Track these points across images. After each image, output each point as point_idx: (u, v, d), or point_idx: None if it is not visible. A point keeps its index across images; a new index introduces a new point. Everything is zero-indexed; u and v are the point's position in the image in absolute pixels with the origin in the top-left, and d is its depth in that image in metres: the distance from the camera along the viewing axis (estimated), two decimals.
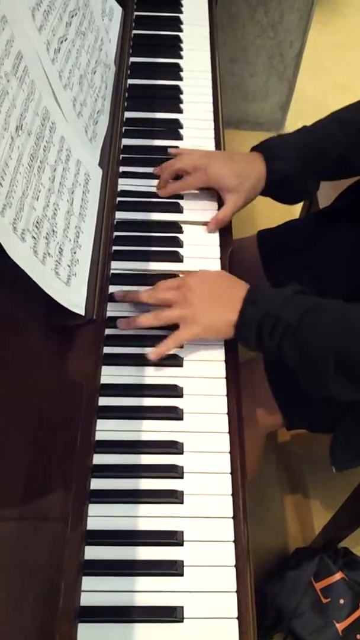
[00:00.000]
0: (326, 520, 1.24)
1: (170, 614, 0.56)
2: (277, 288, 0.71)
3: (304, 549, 1.29)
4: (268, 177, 0.84)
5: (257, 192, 0.85)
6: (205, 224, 0.84)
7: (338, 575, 1.17)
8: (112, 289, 0.76)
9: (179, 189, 0.85)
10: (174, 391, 0.69)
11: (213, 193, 0.87)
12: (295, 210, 1.56)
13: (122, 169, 0.87)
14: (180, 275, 0.77)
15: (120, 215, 0.83)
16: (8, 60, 0.57)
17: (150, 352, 0.70)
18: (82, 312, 0.63)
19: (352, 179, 1.02)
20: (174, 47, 1.07)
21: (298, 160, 0.84)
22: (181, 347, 0.72)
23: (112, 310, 0.74)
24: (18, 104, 0.59)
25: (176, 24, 1.10)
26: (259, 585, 1.19)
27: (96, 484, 0.62)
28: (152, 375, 0.70)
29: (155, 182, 0.87)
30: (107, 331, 0.72)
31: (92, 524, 0.60)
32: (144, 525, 0.61)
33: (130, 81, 0.99)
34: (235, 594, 0.58)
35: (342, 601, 1.14)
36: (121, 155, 0.88)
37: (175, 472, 0.64)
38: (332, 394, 0.68)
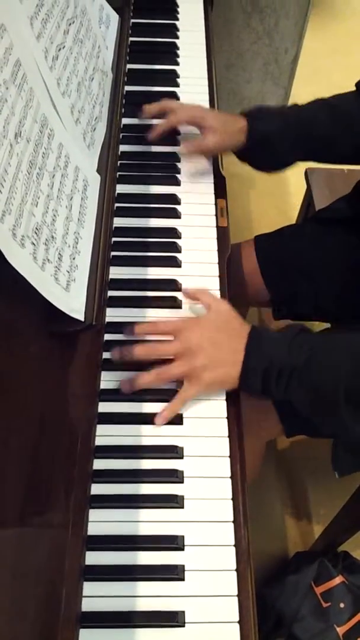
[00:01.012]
0: (326, 524, 1.24)
1: (172, 619, 0.56)
2: (278, 304, 0.71)
3: (304, 553, 1.29)
4: (249, 134, 0.88)
5: (235, 141, 0.89)
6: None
7: (338, 579, 1.17)
8: (111, 294, 0.76)
9: (167, 125, 0.89)
10: (173, 396, 0.69)
11: (210, 198, 0.87)
12: (292, 217, 1.57)
13: (119, 174, 0.88)
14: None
15: (118, 221, 0.83)
16: (7, 68, 0.58)
17: (157, 417, 0.67)
18: (81, 317, 0.64)
19: (349, 184, 1.03)
20: (170, 53, 1.07)
21: (280, 123, 0.88)
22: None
23: (111, 315, 0.74)
24: (17, 111, 0.59)
25: (172, 30, 1.11)
26: (259, 590, 1.19)
27: (96, 489, 0.63)
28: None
29: (154, 188, 0.87)
30: (106, 336, 0.72)
31: (93, 529, 0.60)
32: (144, 530, 0.61)
33: (127, 87, 1.00)
34: (236, 598, 0.58)
35: (342, 605, 1.14)
36: (119, 161, 0.89)
37: (175, 476, 0.64)
38: (349, 430, 0.66)
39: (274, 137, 0.88)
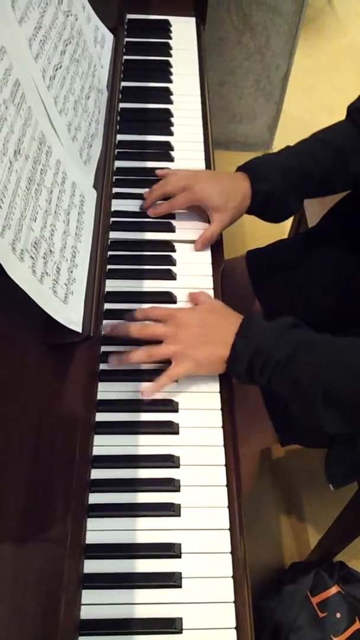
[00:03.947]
0: (321, 535, 1.24)
1: (170, 626, 0.57)
2: (271, 319, 0.72)
3: (300, 563, 1.30)
4: (253, 196, 0.86)
5: (243, 210, 0.87)
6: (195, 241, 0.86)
7: (334, 589, 1.17)
8: (108, 306, 0.77)
9: (168, 209, 0.87)
10: (170, 406, 0.71)
11: (204, 212, 0.89)
12: (284, 230, 1.59)
13: (115, 190, 0.89)
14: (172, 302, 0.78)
15: (114, 234, 0.85)
16: (6, 88, 0.60)
17: (143, 389, 0.70)
18: (79, 329, 0.65)
19: (338, 197, 1.05)
20: (164, 71, 1.10)
21: (282, 180, 0.86)
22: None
23: None
24: (16, 130, 0.61)
25: (166, 49, 1.14)
26: (255, 600, 1.20)
27: (94, 498, 0.64)
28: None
29: None
30: (103, 348, 0.74)
31: (91, 538, 0.61)
32: (142, 538, 0.62)
33: (122, 105, 1.02)
34: (232, 605, 0.59)
35: (338, 615, 1.14)
36: (114, 177, 0.90)
37: (172, 485, 0.65)
38: (323, 426, 0.68)
39: (278, 195, 0.87)
